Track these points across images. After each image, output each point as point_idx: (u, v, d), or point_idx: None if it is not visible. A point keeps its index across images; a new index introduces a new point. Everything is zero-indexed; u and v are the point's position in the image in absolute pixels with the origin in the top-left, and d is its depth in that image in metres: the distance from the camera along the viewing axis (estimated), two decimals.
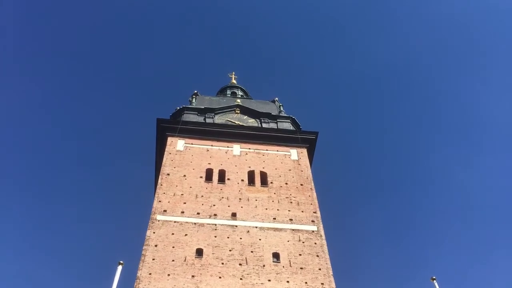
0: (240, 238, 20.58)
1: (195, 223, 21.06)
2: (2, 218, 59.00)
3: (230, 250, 19.93)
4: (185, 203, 22.15)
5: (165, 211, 21.55)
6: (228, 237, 20.56)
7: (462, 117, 71.29)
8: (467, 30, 72.82)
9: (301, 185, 24.35)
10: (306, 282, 18.98)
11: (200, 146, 26.26)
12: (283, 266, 19.55)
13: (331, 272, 19.56)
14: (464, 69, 72.31)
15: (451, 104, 72.14)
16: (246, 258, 19.63)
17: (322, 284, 19.00)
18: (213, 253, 19.70)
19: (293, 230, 21.42)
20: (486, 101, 68.69)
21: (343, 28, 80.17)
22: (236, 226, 21.20)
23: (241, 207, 22.32)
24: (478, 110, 69.54)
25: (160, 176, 23.86)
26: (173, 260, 19.15)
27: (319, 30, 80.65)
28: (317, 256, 20.24)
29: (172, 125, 27.16)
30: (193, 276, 18.60)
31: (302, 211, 22.57)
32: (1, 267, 53.63)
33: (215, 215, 21.68)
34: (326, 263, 19.92)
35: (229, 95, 36.85)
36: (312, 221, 22.08)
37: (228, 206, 22.26)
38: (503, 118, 66.17)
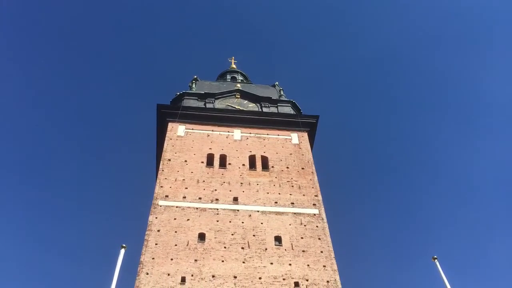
0: (242, 222, 20.68)
1: (197, 208, 21.15)
2: (8, 204, 59.48)
3: (232, 234, 20.05)
4: (186, 188, 22.23)
5: (167, 196, 21.63)
6: (230, 222, 20.66)
7: (466, 101, 70.98)
8: (472, 13, 72.07)
9: (302, 168, 24.39)
10: (308, 265, 19.12)
11: (201, 131, 26.27)
12: (285, 249, 19.68)
13: (333, 255, 19.69)
14: (469, 53, 71.74)
15: (455, 88, 71.69)
16: (248, 242, 19.76)
17: (324, 266, 19.14)
18: (215, 237, 19.82)
19: (294, 213, 21.51)
20: (491, 85, 68.32)
21: (344, 11, 79.58)
22: (238, 210, 21.30)
23: (243, 191, 22.39)
24: (483, 93, 69.19)
25: (161, 161, 23.90)
26: (175, 245, 19.28)
27: (320, 13, 79.95)
28: (319, 239, 20.36)
29: (173, 111, 27.10)
30: (196, 260, 18.74)
31: (304, 195, 22.65)
32: (4, 253, 54.11)
33: (216, 199, 21.76)
34: (328, 246, 20.05)
35: (229, 80, 36.68)
36: (314, 204, 22.16)
37: (230, 191, 22.34)
38: (507, 102, 65.86)
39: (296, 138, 26.74)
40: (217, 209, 21.22)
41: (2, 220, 56.09)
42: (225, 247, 19.43)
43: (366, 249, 61.17)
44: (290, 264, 19.02)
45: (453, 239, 60.04)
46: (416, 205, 64.76)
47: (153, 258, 18.57)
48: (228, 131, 26.48)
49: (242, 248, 19.49)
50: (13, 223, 57.77)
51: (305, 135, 27.14)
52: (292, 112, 29.33)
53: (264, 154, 25.15)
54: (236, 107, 29.18)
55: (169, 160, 23.88)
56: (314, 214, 21.58)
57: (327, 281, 18.50)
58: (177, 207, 21.10)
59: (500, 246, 57.16)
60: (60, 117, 69.59)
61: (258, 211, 21.35)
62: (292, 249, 19.73)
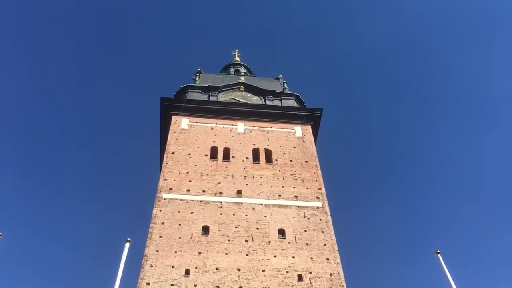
0: (246, 215, 20.75)
1: (200, 201, 21.23)
2: (13, 199, 59.85)
3: (236, 227, 20.13)
4: (190, 181, 22.29)
5: (171, 189, 21.70)
6: (233, 214, 20.74)
7: (473, 94, 70.44)
8: (478, 6, 71.36)
9: (306, 162, 24.40)
10: (311, 258, 19.20)
11: (205, 124, 26.28)
12: (289, 242, 19.76)
13: (336, 248, 19.76)
14: (474, 47, 71.10)
15: (461, 81, 71.13)
16: (251, 235, 19.84)
17: (328, 259, 19.21)
18: (219, 230, 19.90)
19: (298, 206, 21.56)
20: (496, 79, 67.80)
21: (349, 3, 79.06)
22: (242, 203, 21.36)
23: (246, 184, 22.45)
24: (488, 87, 68.72)
25: (165, 154, 23.96)
26: (179, 238, 19.39)
27: (324, 5, 79.50)
28: (322, 232, 20.42)
29: (176, 104, 27.11)
30: (199, 253, 18.84)
31: (307, 188, 22.68)
32: (12, 248, 54.51)
33: (220, 192, 21.82)
34: (331, 239, 20.11)
35: (233, 73, 36.59)
36: (317, 197, 22.20)
37: (233, 184, 22.39)
38: None
39: (300, 131, 26.72)
40: (221, 202, 21.29)
41: (9, 215, 56.39)
42: (228, 240, 19.52)
43: (369, 243, 61.32)
44: (293, 257, 19.10)
45: (457, 233, 60.14)
46: (420, 199, 64.79)
47: (157, 251, 18.68)
48: (232, 124, 26.49)
49: (246, 241, 19.58)
50: (19, 219, 58.13)
51: (309, 128, 27.11)
52: (295, 105, 29.28)
53: (268, 147, 25.16)
54: (240, 100, 29.16)
55: (173, 153, 23.94)
56: (318, 207, 21.62)
57: (330, 274, 18.58)
58: (181, 200, 21.19)
59: (504, 241, 57.19)
60: (65, 112, 69.82)
61: (261, 204, 21.41)
62: (296, 242, 19.81)
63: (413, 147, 69.56)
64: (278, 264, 18.72)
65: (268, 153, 24.81)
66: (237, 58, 39.51)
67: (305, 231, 20.36)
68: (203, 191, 21.79)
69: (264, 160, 24.27)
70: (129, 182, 69.83)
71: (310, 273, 18.54)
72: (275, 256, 19.05)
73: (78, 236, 60.59)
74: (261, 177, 23.00)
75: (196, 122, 26.34)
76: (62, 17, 73.44)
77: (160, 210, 20.51)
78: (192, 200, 21.23)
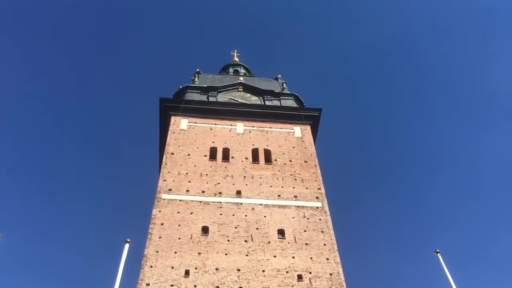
0: (245, 216, 20.75)
1: (200, 201, 21.23)
2: (15, 199, 59.82)
3: (235, 228, 20.13)
4: (190, 181, 22.29)
5: (170, 190, 21.70)
6: (233, 215, 20.74)
7: (473, 93, 70.37)
8: (478, 5, 71.38)
9: (305, 162, 24.40)
10: (311, 258, 19.20)
11: (204, 124, 26.27)
12: (288, 242, 19.76)
13: (336, 247, 19.76)
14: (474, 45, 71.09)
15: (461, 80, 71.06)
16: (251, 235, 19.84)
17: (327, 259, 19.21)
18: (218, 231, 19.90)
19: (297, 206, 21.56)
20: (496, 78, 67.78)
21: (348, 3, 79.07)
22: (241, 203, 21.36)
23: (246, 184, 22.44)
24: (488, 86, 68.73)
25: (164, 155, 23.96)
26: (179, 238, 19.38)
27: (323, 5, 79.52)
28: (322, 232, 20.42)
29: (175, 104, 27.10)
30: (199, 253, 18.84)
31: (307, 188, 22.69)
32: (13, 249, 54.44)
33: (220, 193, 21.82)
34: (331, 239, 20.12)
35: (232, 73, 36.59)
36: (317, 197, 22.20)
37: (233, 184, 22.39)
38: None
39: (299, 131, 26.72)
40: (220, 203, 21.29)
41: (9, 215, 56.33)
42: (228, 240, 19.52)
43: (369, 242, 61.33)
44: (293, 257, 19.10)
45: (456, 233, 60.10)
46: (419, 199, 64.78)
47: (157, 252, 18.68)
48: (231, 125, 26.49)
49: (246, 241, 19.58)
50: (18, 219, 58.07)
51: (308, 128, 27.11)
52: (294, 105, 29.27)
53: (267, 148, 25.16)
54: (239, 100, 29.15)
55: (172, 153, 23.94)
56: (317, 207, 21.63)
57: (330, 274, 18.59)
58: (180, 200, 21.18)
59: (503, 240, 57.21)
60: (64, 112, 69.75)
61: (261, 204, 21.41)
62: (295, 242, 19.81)
63: (413, 147, 69.63)
64: (278, 264, 18.72)
65: (267, 153, 24.81)
66: (236, 59, 39.51)
67: (305, 231, 20.36)
68: (203, 192, 21.79)
69: (264, 160, 24.27)
70: (128, 182, 69.84)
71: (310, 273, 18.54)
72: (274, 256, 19.05)
73: (77, 237, 60.55)
74: (260, 177, 22.99)
75: (195, 123, 26.34)
76: (61, 16, 73.46)
77: (160, 211, 20.51)
78: (192, 201, 21.23)
